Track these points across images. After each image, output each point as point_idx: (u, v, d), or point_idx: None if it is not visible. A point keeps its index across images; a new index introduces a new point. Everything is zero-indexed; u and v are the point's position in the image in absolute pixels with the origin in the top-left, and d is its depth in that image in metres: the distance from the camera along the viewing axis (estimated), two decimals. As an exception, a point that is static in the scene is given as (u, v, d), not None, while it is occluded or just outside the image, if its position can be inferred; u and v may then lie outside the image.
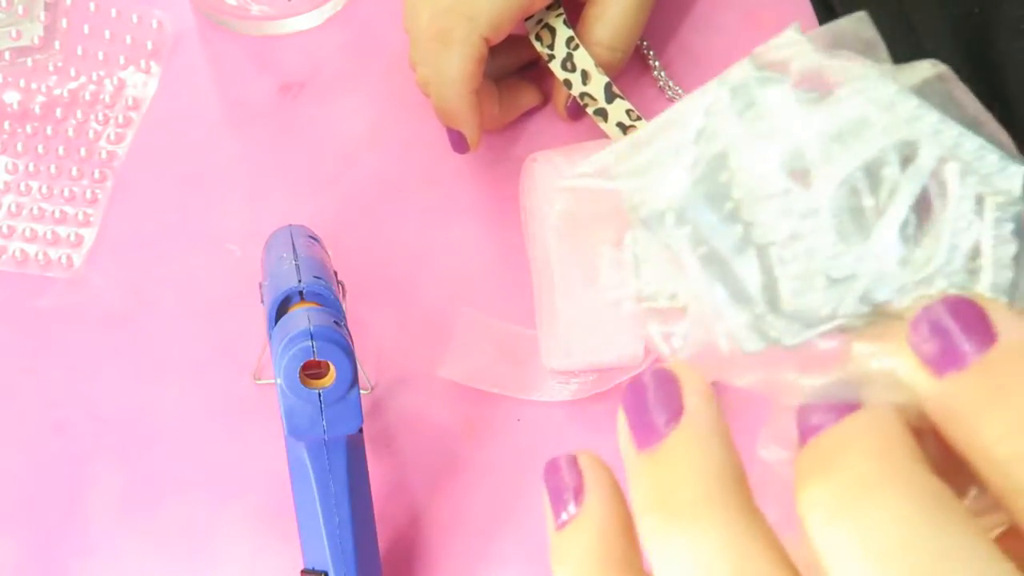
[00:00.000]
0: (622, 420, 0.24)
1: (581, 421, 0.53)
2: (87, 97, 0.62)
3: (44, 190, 0.60)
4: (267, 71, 0.63)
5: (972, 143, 0.23)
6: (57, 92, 0.62)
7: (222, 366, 0.55)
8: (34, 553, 0.52)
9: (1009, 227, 0.23)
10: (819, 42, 0.24)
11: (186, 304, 0.57)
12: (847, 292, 0.22)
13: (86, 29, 0.62)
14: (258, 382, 0.53)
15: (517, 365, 0.54)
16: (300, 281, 0.46)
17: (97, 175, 0.60)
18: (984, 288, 0.23)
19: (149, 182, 0.60)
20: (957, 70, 0.57)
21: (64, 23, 0.62)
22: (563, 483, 0.24)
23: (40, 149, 0.61)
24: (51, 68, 0.62)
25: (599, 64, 0.55)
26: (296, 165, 0.60)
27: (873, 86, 0.23)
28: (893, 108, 0.23)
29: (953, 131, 0.23)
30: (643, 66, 0.61)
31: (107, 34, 0.62)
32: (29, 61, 0.62)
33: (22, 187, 0.60)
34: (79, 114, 0.61)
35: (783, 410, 0.23)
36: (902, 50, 0.56)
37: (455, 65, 0.52)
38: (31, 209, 0.59)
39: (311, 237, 0.52)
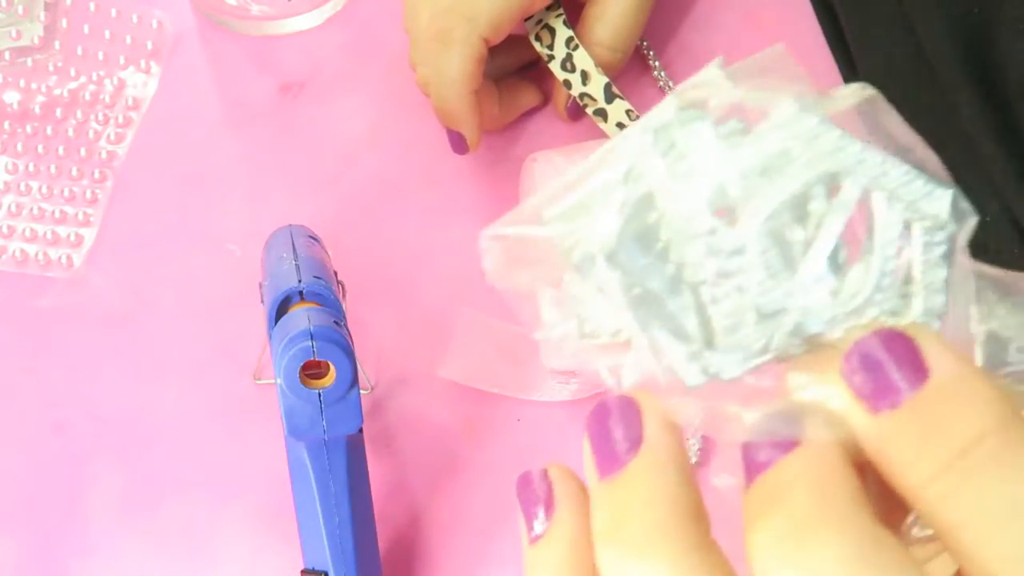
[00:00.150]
0: (586, 445, 0.24)
1: (581, 421, 0.53)
2: (87, 97, 0.62)
3: (44, 190, 0.60)
4: (267, 71, 0.63)
5: (897, 170, 0.23)
6: (57, 92, 0.62)
7: (222, 366, 0.55)
8: (34, 553, 0.52)
9: (939, 251, 0.23)
10: (742, 76, 0.24)
11: (186, 304, 0.57)
12: (778, 327, 0.23)
13: (86, 29, 0.62)
14: (258, 382, 0.53)
15: (517, 365, 0.54)
16: (300, 281, 0.46)
17: (97, 175, 0.60)
18: (916, 313, 0.23)
19: (149, 182, 0.60)
20: (956, 71, 0.58)
21: (64, 23, 0.62)
22: (534, 497, 0.25)
23: (40, 149, 0.61)
24: (51, 68, 0.62)
25: (599, 64, 0.55)
26: (296, 165, 0.60)
27: (794, 119, 0.23)
28: (816, 140, 0.23)
29: (877, 159, 0.23)
30: (643, 66, 0.61)
31: (107, 34, 0.62)
32: (29, 61, 0.62)
33: (22, 187, 0.60)
34: (79, 114, 0.61)
35: (730, 440, 0.24)
36: (901, 51, 0.56)
37: (455, 65, 0.52)
38: (31, 209, 0.59)
39: (311, 237, 0.52)
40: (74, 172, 0.60)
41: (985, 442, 0.21)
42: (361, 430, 0.45)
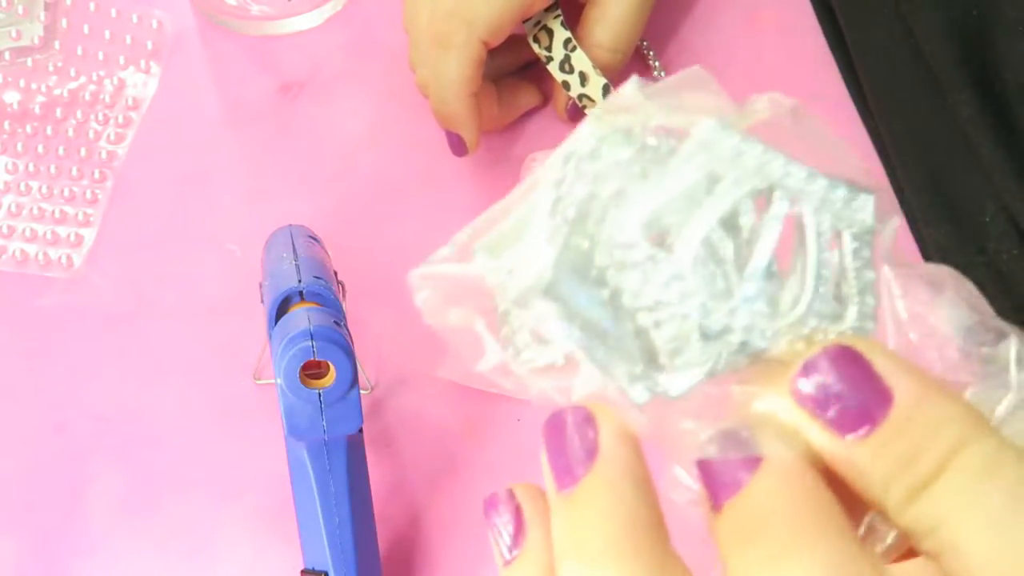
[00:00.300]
0: (543, 456, 0.24)
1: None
2: (87, 97, 0.62)
3: (44, 190, 0.60)
4: (267, 71, 0.63)
5: (820, 180, 0.23)
6: (57, 92, 0.62)
7: (222, 366, 0.55)
8: (34, 553, 0.52)
9: (866, 254, 0.23)
10: (660, 94, 0.24)
11: (186, 304, 0.57)
12: (723, 346, 0.23)
13: (86, 29, 0.62)
14: (258, 382, 0.53)
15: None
16: (300, 281, 0.46)
17: (97, 175, 0.60)
18: (851, 318, 0.23)
19: (149, 182, 0.60)
20: (955, 72, 0.58)
21: (64, 23, 0.62)
22: (503, 521, 0.25)
23: (40, 149, 0.61)
24: (51, 68, 0.62)
25: (599, 66, 0.55)
26: (296, 165, 0.60)
27: (717, 138, 0.23)
28: (740, 158, 0.23)
29: (802, 172, 0.23)
30: (643, 66, 0.61)
31: (107, 34, 0.62)
32: (29, 61, 0.62)
33: (22, 187, 0.60)
34: (79, 114, 0.61)
35: (683, 456, 0.24)
36: (900, 53, 0.56)
37: (454, 69, 0.52)
38: (31, 209, 0.59)
39: (311, 237, 0.52)
40: (74, 172, 0.60)
41: (960, 458, 0.21)
42: (361, 430, 0.45)
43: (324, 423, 0.43)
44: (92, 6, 0.62)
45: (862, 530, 0.24)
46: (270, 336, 0.46)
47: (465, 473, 0.53)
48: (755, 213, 0.23)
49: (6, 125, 0.61)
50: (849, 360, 0.22)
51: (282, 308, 0.46)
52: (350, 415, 0.43)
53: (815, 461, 0.22)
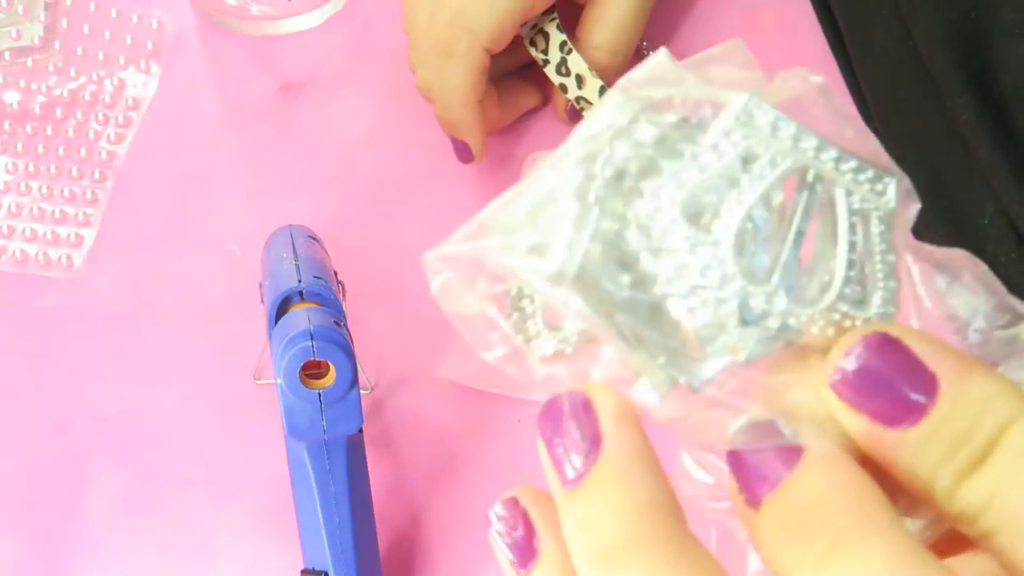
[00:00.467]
0: (542, 449, 0.23)
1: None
2: (87, 97, 0.62)
3: (44, 190, 0.60)
4: (267, 71, 0.63)
5: (851, 162, 0.23)
6: (57, 92, 0.62)
7: (222, 366, 0.55)
8: (34, 553, 0.52)
9: (889, 237, 0.23)
10: (691, 67, 0.23)
11: (186, 304, 0.57)
12: (762, 331, 0.22)
13: (86, 29, 0.62)
14: (258, 382, 0.53)
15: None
16: (300, 281, 0.46)
17: (97, 175, 0.60)
18: (876, 303, 0.23)
19: (149, 182, 0.60)
20: (953, 75, 0.58)
21: (64, 23, 0.62)
22: (511, 532, 0.23)
23: (40, 149, 0.61)
24: (51, 68, 0.62)
25: (598, 68, 0.55)
26: (296, 165, 0.60)
27: (753, 113, 0.22)
28: (776, 135, 0.22)
29: (833, 152, 0.23)
30: (643, 66, 0.61)
31: (107, 34, 0.62)
32: (29, 61, 0.62)
33: (22, 187, 0.60)
34: (79, 114, 0.61)
35: (709, 448, 0.23)
36: (898, 55, 0.56)
37: (458, 77, 0.52)
38: (31, 209, 0.59)
39: (311, 237, 0.52)
40: (74, 172, 0.60)
41: (1009, 434, 0.21)
42: (361, 430, 0.45)
43: (324, 423, 0.43)
44: (92, 6, 0.62)
45: None
46: (270, 336, 0.46)
47: (465, 473, 0.53)
48: (785, 193, 0.22)
49: (6, 125, 0.61)
50: (889, 347, 0.21)
51: (282, 308, 0.46)
52: (350, 415, 0.43)
53: (850, 450, 0.22)
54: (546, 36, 0.55)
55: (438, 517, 0.52)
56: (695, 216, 0.22)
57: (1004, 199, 0.50)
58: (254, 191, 0.60)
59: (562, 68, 0.55)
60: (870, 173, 0.23)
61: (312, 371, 0.43)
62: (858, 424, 0.21)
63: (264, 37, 0.63)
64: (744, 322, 0.22)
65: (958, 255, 0.24)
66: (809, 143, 0.22)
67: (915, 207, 0.23)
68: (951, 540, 0.23)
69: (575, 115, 0.58)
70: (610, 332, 0.22)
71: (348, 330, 0.44)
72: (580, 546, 0.22)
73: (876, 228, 0.23)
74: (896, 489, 0.22)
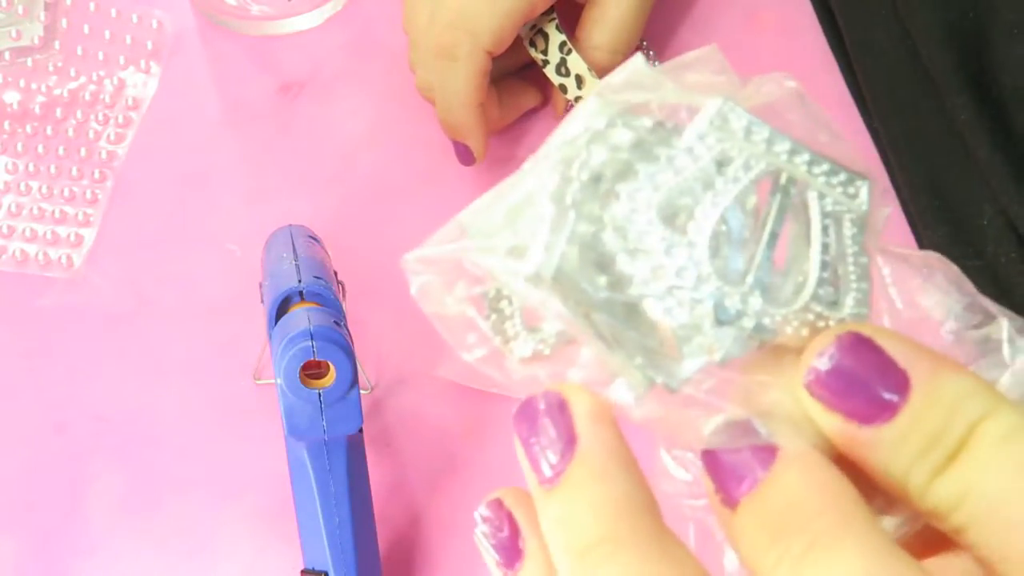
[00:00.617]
0: (519, 448, 0.23)
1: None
2: (87, 97, 0.62)
3: (44, 190, 0.60)
4: (267, 71, 0.63)
5: (824, 164, 0.23)
6: (57, 92, 0.62)
7: (222, 366, 0.55)
8: (34, 553, 0.52)
9: (861, 239, 0.23)
10: (667, 72, 0.24)
11: (186, 304, 0.57)
12: (737, 331, 0.23)
13: (86, 29, 0.62)
14: (258, 382, 0.53)
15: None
16: (300, 281, 0.46)
17: (97, 175, 0.60)
18: (849, 304, 0.23)
19: (149, 182, 0.60)
20: (951, 75, 0.58)
21: (64, 23, 0.62)
22: (498, 535, 0.24)
23: (40, 149, 0.61)
24: (51, 68, 0.62)
25: (598, 67, 0.55)
26: (296, 165, 0.60)
27: (727, 117, 0.23)
28: (750, 138, 0.23)
29: (806, 155, 0.23)
30: (643, 66, 0.61)
31: (107, 34, 0.62)
32: (29, 61, 0.62)
33: (22, 187, 0.60)
34: (79, 114, 0.61)
35: (685, 447, 0.23)
36: (897, 55, 0.56)
37: (461, 81, 0.52)
38: (31, 209, 0.60)
39: (311, 237, 0.52)
40: (74, 172, 0.60)
41: (981, 430, 0.21)
42: (361, 430, 0.45)
43: (324, 423, 0.43)
44: (92, 6, 0.62)
45: None
46: (270, 336, 0.46)
47: (465, 473, 0.53)
48: (759, 196, 0.23)
49: (6, 125, 0.61)
50: (862, 346, 0.22)
51: (282, 308, 0.46)
52: (350, 415, 0.43)
53: (825, 448, 0.22)
54: (546, 36, 0.56)
55: (438, 517, 0.52)
56: (671, 218, 0.23)
57: (1003, 199, 0.50)
58: (254, 191, 0.60)
59: (562, 68, 0.55)
60: (843, 176, 0.23)
61: (312, 371, 0.43)
62: (832, 423, 0.22)
63: (264, 37, 0.63)
64: (719, 322, 0.23)
65: (931, 257, 0.24)
66: (782, 147, 0.23)
67: (888, 210, 0.24)
68: (932, 540, 0.23)
69: (575, 115, 0.58)
70: (588, 333, 0.22)
71: (348, 330, 0.44)
72: (558, 544, 0.22)
73: (849, 230, 0.23)
74: (872, 487, 0.22)
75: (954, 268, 0.24)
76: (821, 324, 0.23)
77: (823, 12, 0.61)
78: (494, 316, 0.24)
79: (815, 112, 0.24)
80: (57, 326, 0.57)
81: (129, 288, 0.58)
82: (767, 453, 0.21)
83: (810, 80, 0.61)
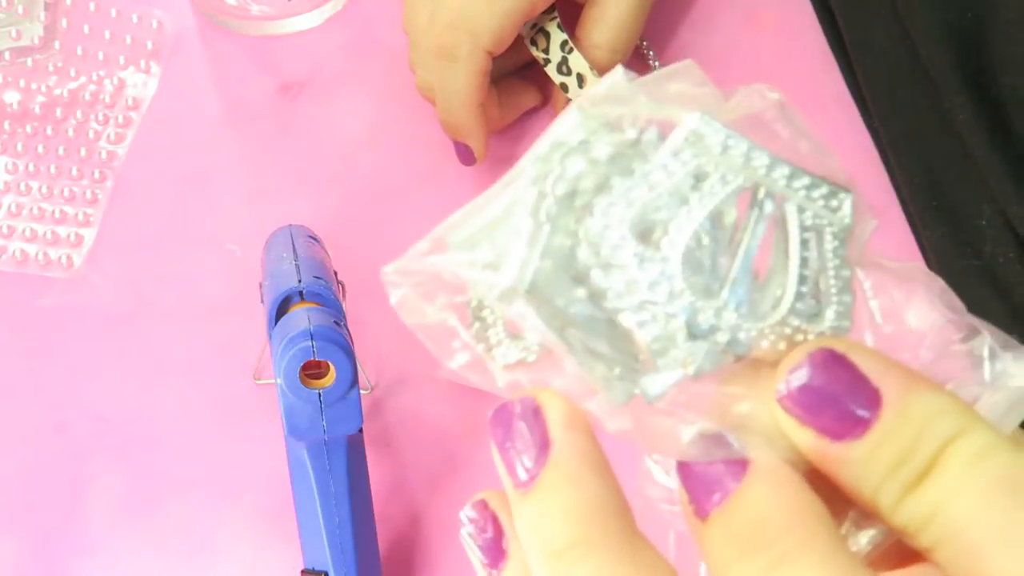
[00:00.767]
0: (495, 452, 0.23)
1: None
2: (87, 97, 0.62)
3: (44, 190, 0.60)
4: (267, 71, 0.63)
5: (803, 179, 0.23)
6: (57, 92, 0.62)
7: (222, 366, 0.55)
8: (34, 553, 0.52)
9: (844, 252, 0.23)
10: (649, 86, 0.24)
11: (186, 304, 0.57)
12: (710, 346, 0.23)
13: (86, 29, 0.62)
14: (258, 382, 0.53)
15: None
16: (300, 281, 0.46)
17: (97, 175, 0.60)
18: (830, 318, 0.23)
19: (149, 182, 0.60)
20: (950, 74, 0.58)
21: (64, 23, 0.62)
22: (483, 535, 0.24)
23: (40, 149, 0.61)
24: (51, 68, 0.62)
25: (598, 67, 0.55)
26: (296, 165, 0.60)
27: (703, 133, 0.23)
28: (727, 153, 0.23)
29: (785, 169, 0.23)
30: (643, 66, 0.61)
31: (107, 34, 0.62)
32: (29, 61, 0.62)
33: (22, 187, 0.60)
34: (79, 114, 0.61)
35: (663, 456, 0.23)
36: (897, 55, 0.56)
37: (461, 81, 0.52)
38: (31, 209, 0.60)
39: (311, 237, 0.52)
40: (74, 172, 0.60)
41: (952, 449, 0.21)
42: (361, 430, 0.45)
43: (324, 423, 0.43)
44: (92, 6, 0.62)
45: (842, 532, 0.24)
46: (270, 336, 0.46)
47: (465, 473, 0.53)
48: (739, 210, 0.23)
49: (6, 125, 0.61)
50: (834, 363, 0.22)
51: (282, 308, 0.46)
52: (350, 415, 0.43)
53: (799, 462, 0.22)
54: (547, 35, 0.56)
55: (438, 517, 0.52)
56: (647, 233, 0.23)
57: (1002, 199, 0.50)
58: (254, 191, 0.60)
59: (563, 67, 0.55)
60: (824, 189, 0.23)
61: (312, 371, 0.43)
62: (805, 438, 0.22)
63: (264, 37, 0.63)
64: (692, 337, 0.23)
65: (916, 270, 0.24)
66: (761, 161, 0.23)
67: (872, 223, 0.24)
68: (911, 551, 0.23)
69: (575, 115, 0.58)
70: (561, 346, 0.23)
71: (348, 330, 0.44)
72: (532, 547, 0.22)
73: (830, 244, 0.23)
74: (848, 499, 0.22)
75: (939, 282, 0.24)
76: (800, 338, 0.23)
77: (823, 12, 0.61)
78: (477, 324, 0.24)
79: (799, 125, 0.24)
80: (57, 326, 0.57)
81: (129, 288, 0.58)
82: (739, 466, 0.22)
83: (810, 80, 0.61)
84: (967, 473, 0.21)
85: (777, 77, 0.60)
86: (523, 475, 0.23)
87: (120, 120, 0.62)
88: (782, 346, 0.23)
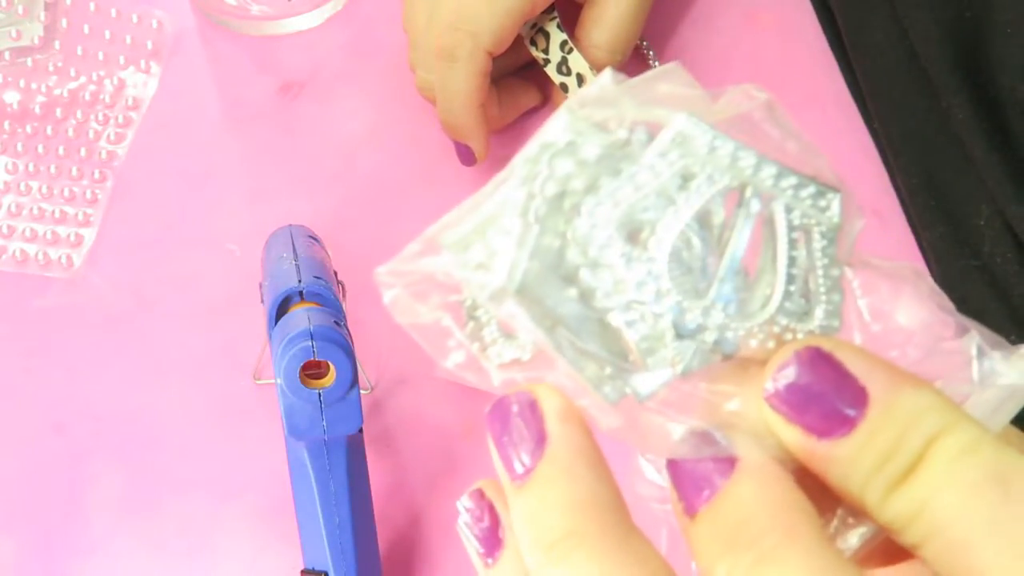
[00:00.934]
0: (491, 445, 0.24)
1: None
2: (87, 97, 0.62)
3: (44, 190, 0.60)
4: (267, 71, 0.63)
5: (791, 178, 0.23)
6: (57, 92, 0.62)
7: (222, 366, 0.55)
8: (34, 553, 0.52)
9: (833, 252, 0.24)
10: (637, 88, 0.24)
11: (186, 304, 0.57)
12: (698, 345, 0.23)
13: (86, 29, 0.62)
14: (258, 382, 0.53)
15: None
16: (300, 281, 0.46)
17: (97, 175, 0.60)
18: (819, 316, 0.23)
19: (149, 182, 0.60)
20: (948, 75, 0.58)
21: (64, 23, 0.62)
22: (479, 525, 0.25)
23: (40, 149, 0.61)
24: (51, 68, 0.62)
25: (597, 67, 0.55)
26: (296, 165, 0.60)
27: (690, 134, 0.23)
28: (713, 154, 0.23)
29: (772, 169, 0.23)
30: (643, 66, 0.61)
31: (107, 34, 0.62)
32: (29, 61, 0.62)
33: (22, 187, 0.60)
34: (79, 114, 0.61)
35: (654, 454, 0.24)
36: (895, 55, 0.56)
37: (462, 82, 0.52)
38: (31, 209, 0.60)
39: (311, 237, 0.52)
40: (74, 172, 0.60)
41: (938, 445, 0.21)
42: (361, 430, 0.45)
43: (324, 423, 0.43)
44: (92, 6, 0.62)
45: (830, 530, 0.24)
46: (270, 336, 0.46)
47: (465, 473, 0.53)
48: (726, 210, 0.23)
49: (6, 125, 0.61)
50: (821, 361, 0.22)
51: (282, 308, 0.46)
52: (350, 415, 0.43)
53: (788, 460, 0.22)
54: (547, 35, 0.56)
55: (438, 517, 0.52)
56: (635, 234, 0.23)
57: (1000, 199, 0.50)
58: (254, 191, 0.60)
59: (563, 67, 0.56)
60: (812, 189, 0.23)
61: (312, 371, 0.43)
62: (792, 436, 0.22)
63: (264, 37, 0.63)
64: (680, 336, 0.23)
65: (905, 269, 0.24)
66: (748, 161, 0.23)
67: (861, 222, 0.24)
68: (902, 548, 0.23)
69: (575, 115, 0.58)
70: (551, 346, 0.23)
71: (348, 330, 0.44)
72: (527, 539, 0.23)
73: (819, 243, 0.23)
74: (836, 496, 0.22)
75: (928, 280, 0.24)
76: (788, 336, 0.23)
77: (823, 12, 0.61)
78: (471, 323, 0.25)
79: (787, 124, 0.24)
80: (57, 326, 0.57)
81: (129, 288, 0.58)
82: (727, 464, 0.22)
83: (810, 80, 0.61)
84: (952, 469, 0.21)
85: (777, 77, 0.60)
86: (519, 468, 0.23)
87: (120, 120, 0.62)
88: (771, 345, 0.23)
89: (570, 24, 0.56)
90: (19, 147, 0.61)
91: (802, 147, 0.24)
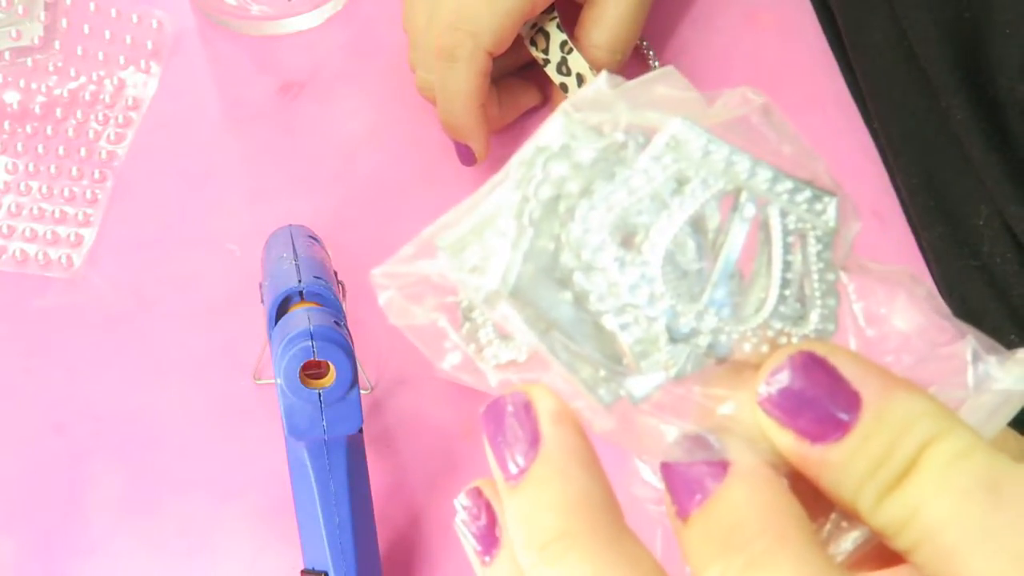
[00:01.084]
0: (487, 445, 0.24)
1: (581, 421, 0.53)
2: (87, 97, 0.62)
3: (44, 190, 0.60)
4: (267, 71, 0.63)
5: (786, 183, 0.23)
6: (57, 92, 0.62)
7: (222, 366, 0.55)
8: (34, 553, 0.52)
9: (829, 256, 0.24)
10: (633, 91, 0.24)
11: (186, 304, 0.57)
12: (691, 348, 0.23)
13: (86, 29, 0.62)
14: (258, 382, 0.53)
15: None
16: (300, 281, 0.46)
17: (97, 175, 0.60)
18: (814, 320, 0.23)
19: (149, 182, 0.60)
20: (947, 75, 0.57)
21: (64, 23, 0.62)
22: (476, 523, 0.25)
23: (40, 149, 0.61)
24: (51, 68, 0.62)
25: (597, 67, 0.55)
26: (296, 165, 0.60)
27: (685, 138, 0.23)
28: (708, 158, 0.23)
29: (768, 173, 0.23)
30: (643, 66, 0.61)
31: (107, 34, 0.62)
32: (29, 61, 0.62)
33: (22, 187, 0.60)
34: (79, 114, 0.61)
35: (648, 456, 0.24)
36: (895, 55, 0.56)
37: (462, 82, 0.52)
38: (31, 209, 0.60)
39: (311, 237, 0.52)
40: (74, 172, 0.60)
41: (930, 451, 0.21)
42: (361, 430, 0.45)
43: (324, 423, 0.43)
44: (92, 6, 0.62)
45: (824, 534, 0.24)
46: (270, 336, 0.46)
47: (465, 473, 0.53)
48: (721, 214, 0.23)
49: (6, 125, 0.61)
50: (814, 366, 0.22)
51: (282, 308, 0.46)
52: (350, 415, 0.43)
53: (781, 464, 0.22)
54: (546, 35, 0.56)
55: (438, 517, 0.52)
56: (629, 237, 0.23)
57: (999, 200, 0.50)
58: (254, 191, 0.60)
59: (563, 67, 0.56)
60: (808, 193, 0.23)
61: (312, 371, 0.43)
62: (785, 440, 0.22)
63: (264, 37, 0.64)
64: (674, 339, 0.23)
65: (900, 273, 0.24)
66: (742, 165, 0.23)
67: (858, 225, 0.24)
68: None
69: (575, 115, 0.58)
70: (544, 348, 0.23)
71: (348, 330, 0.44)
72: (520, 539, 0.23)
73: (814, 247, 0.23)
74: (829, 501, 0.22)
75: (924, 285, 0.24)
76: (783, 340, 0.23)
77: (823, 12, 0.61)
78: (467, 325, 0.25)
79: (783, 128, 0.24)
80: (57, 326, 0.57)
81: (129, 288, 0.58)
82: (719, 468, 0.22)
83: (810, 80, 0.61)
84: (944, 475, 0.21)
85: (776, 77, 0.60)
86: (513, 469, 0.23)
87: (120, 120, 0.62)
88: (765, 349, 0.23)
89: (570, 24, 0.56)
90: (19, 147, 0.61)
91: (799, 150, 0.24)
